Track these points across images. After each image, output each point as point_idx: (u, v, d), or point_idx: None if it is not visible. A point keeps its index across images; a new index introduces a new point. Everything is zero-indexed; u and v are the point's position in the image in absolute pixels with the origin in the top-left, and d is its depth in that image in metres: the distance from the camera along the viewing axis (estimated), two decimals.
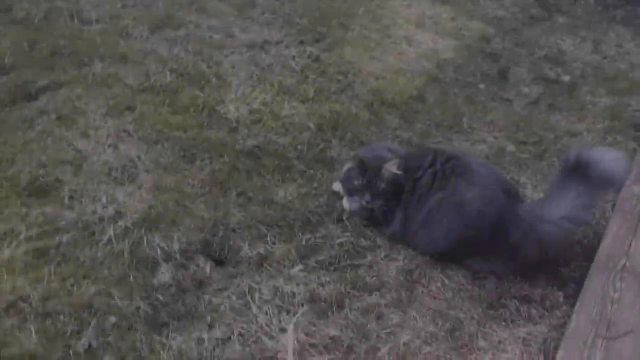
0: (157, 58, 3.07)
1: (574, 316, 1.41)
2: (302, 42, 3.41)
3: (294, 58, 3.21)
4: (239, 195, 2.25)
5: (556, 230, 1.98)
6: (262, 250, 2.02)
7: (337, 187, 2.32)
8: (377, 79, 3.12)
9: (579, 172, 1.96)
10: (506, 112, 2.99)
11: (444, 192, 2.05)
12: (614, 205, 2.32)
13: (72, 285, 1.82)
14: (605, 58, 3.73)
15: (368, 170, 2.15)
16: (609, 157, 1.98)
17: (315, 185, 2.35)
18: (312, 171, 2.43)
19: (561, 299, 1.95)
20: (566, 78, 3.42)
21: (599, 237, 2.12)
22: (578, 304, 1.45)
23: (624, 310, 1.42)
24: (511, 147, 2.71)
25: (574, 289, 1.97)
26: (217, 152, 2.44)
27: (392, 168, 2.12)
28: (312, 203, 2.26)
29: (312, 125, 2.66)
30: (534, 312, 1.92)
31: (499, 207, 2.00)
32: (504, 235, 2.01)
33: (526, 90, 3.26)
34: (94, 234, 1.98)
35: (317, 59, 3.22)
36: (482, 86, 3.23)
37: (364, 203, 2.17)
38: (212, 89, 2.87)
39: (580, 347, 1.35)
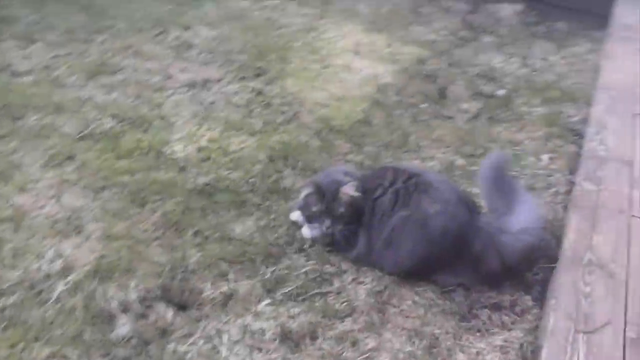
0: (94, 105, 2.98)
1: (551, 314, 1.41)
2: (243, 78, 3.39)
3: (236, 93, 3.19)
4: (194, 234, 2.17)
5: (514, 242, 2.01)
6: (225, 289, 1.93)
7: (295, 216, 2.28)
8: (322, 107, 3.13)
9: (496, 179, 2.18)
10: (450, 128, 3.06)
11: (407, 209, 2.04)
12: (565, 206, 2.38)
13: (22, 350, 1.68)
14: (534, 71, 3.91)
15: (325, 194, 2.12)
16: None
17: (273, 216, 2.30)
18: (267, 203, 2.38)
19: (529, 303, 1.96)
20: (501, 92, 3.55)
21: (555, 236, 2.17)
22: (553, 301, 1.46)
23: (597, 303, 1.44)
24: (460, 161, 2.76)
25: (539, 291, 1.99)
26: (167, 193, 2.35)
27: (349, 190, 2.10)
28: (272, 235, 2.20)
29: (262, 157, 2.62)
30: (506, 318, 1.91)
31: (461, 221, 2.02)
32: (467, 247, 2.02)
33: (465, 106, 3.35)
34: (41, 292, 1.84)
35: (260, 93, 3.21)
36: (423, 106, 3.30)
37: (324, 229, 2.13)
38: (156, 130, 2.79)
39: (562, 344, 1.35)
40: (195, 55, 3.67)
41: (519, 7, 4.86)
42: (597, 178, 1.97)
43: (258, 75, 3.44)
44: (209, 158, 2.62)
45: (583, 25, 4.63)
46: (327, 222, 2.12)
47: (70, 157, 2.54)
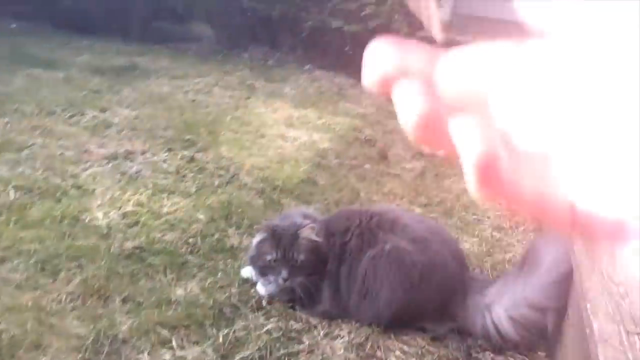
0: None
1: (592, 320, 1.16)
2: (170, 149, 3.10)
3: (165, 161, 2.88)
4: (124, 301, 1.75)
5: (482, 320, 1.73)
6: (167, 357, 1.51)
7: (247, 272, 1.93)
8: (261, 169, 2.88)
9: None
10: (399, 183, 2.89)
11: (373, 249, 1.77)
12: None
13: None
14: None
15: (282, 240, 1.80)
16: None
17: (220, 275, 1.93)
18: (212, 262, 2.02)
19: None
20: (441, 152, 3.48)
21: None
22: (587, 305, 1.21)
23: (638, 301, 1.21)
24: (418, 210, 2.56)
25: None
26: (87, 258, 1.93)
27: (309, 234, 1.81)
28: (221, 295, 1.83)
29: (201, 217, 2.28)
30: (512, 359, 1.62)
31: (443, 262, 1.77)
32: (454, 294, 1.76)
33: (409, 165, 3.24)
34: None
35: (191, 160, 2.92)
36: (367, 166, 3.15)
37: (281, 281, 1.79)
38: (70, 199, 2.39)
39: (619, 349, 1.08)
40: (114, 133, 3.35)
41: None
42: None
43: (187, 147, 3.16)
44: (137, 222, 2.25)
45: None
46: (284, 273, 1.78)
47: None
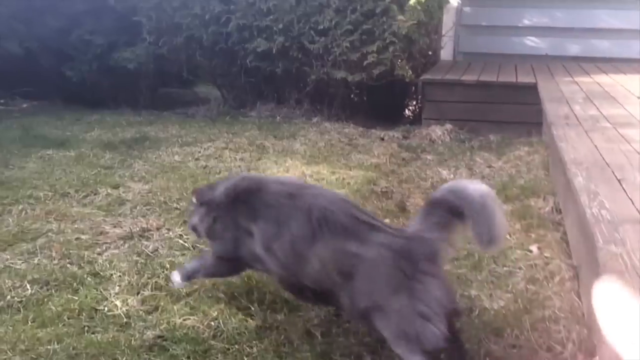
0: (11, 273, 2.50)
1: None
2: (185, 222, 3.05)
3: (181, 237, 2.83)
4: None
5: None
6: None
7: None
8: None
9: None
10: None
11: None
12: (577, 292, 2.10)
13: None
14: (483, 177, 3.85)
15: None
16: None
17: None
18: (236, 346, 1.93)
19: None
20: None
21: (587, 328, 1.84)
22: None
23: None
24: (446, 267, 2.46)
25: None
26: (108, 355, 1.86)
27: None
28: None
29: (222, 295, 2.21)
30: None
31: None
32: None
33: None
34: None
35: None
36: (387, 221, 3.07)
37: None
38: (88, 288, 2.34)
39: None
40: (129, 210, 3.33)
41: (448, 126, 4.99)
42: (619, 240, 1.73)
43: None
44: (156, 308, 2.18)
45: (514, 134, 4.78)
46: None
47: None
